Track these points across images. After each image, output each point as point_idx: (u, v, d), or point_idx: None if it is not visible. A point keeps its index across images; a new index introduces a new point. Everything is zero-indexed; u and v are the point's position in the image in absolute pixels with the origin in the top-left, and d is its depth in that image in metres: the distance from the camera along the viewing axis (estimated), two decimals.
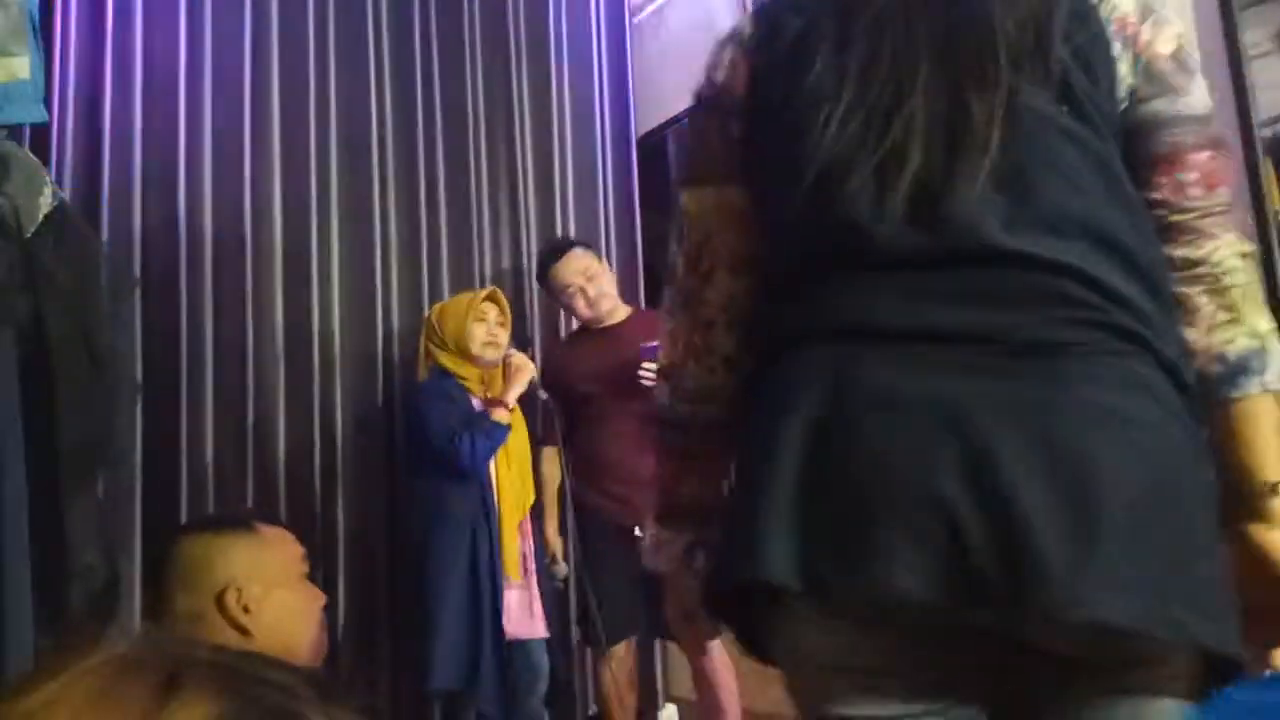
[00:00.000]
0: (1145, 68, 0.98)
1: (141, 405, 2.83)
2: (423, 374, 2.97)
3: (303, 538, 1.66)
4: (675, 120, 3.99)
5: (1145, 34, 0.98)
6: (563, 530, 3.14)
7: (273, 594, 1.51)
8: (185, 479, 2.87)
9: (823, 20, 1.00)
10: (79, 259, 1.45)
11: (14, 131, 1.47)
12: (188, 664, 0.53)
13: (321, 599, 1.63)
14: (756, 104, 1.05)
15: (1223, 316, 0.95)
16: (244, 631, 1.46)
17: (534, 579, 2.87)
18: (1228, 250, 0.96)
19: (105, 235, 2.82)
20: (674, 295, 1.13)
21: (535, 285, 3.76)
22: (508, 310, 3.00)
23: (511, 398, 2.83)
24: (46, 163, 2.64)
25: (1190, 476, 0.88)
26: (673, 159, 4.08)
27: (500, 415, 2.78)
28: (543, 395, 3.10)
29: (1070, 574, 0.80)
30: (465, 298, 2.99)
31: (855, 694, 0.91)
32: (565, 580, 3.16)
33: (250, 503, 2.96)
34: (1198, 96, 1.00)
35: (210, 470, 2.93)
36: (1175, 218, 0.97)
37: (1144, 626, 0.81)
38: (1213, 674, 0.87)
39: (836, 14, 0.99)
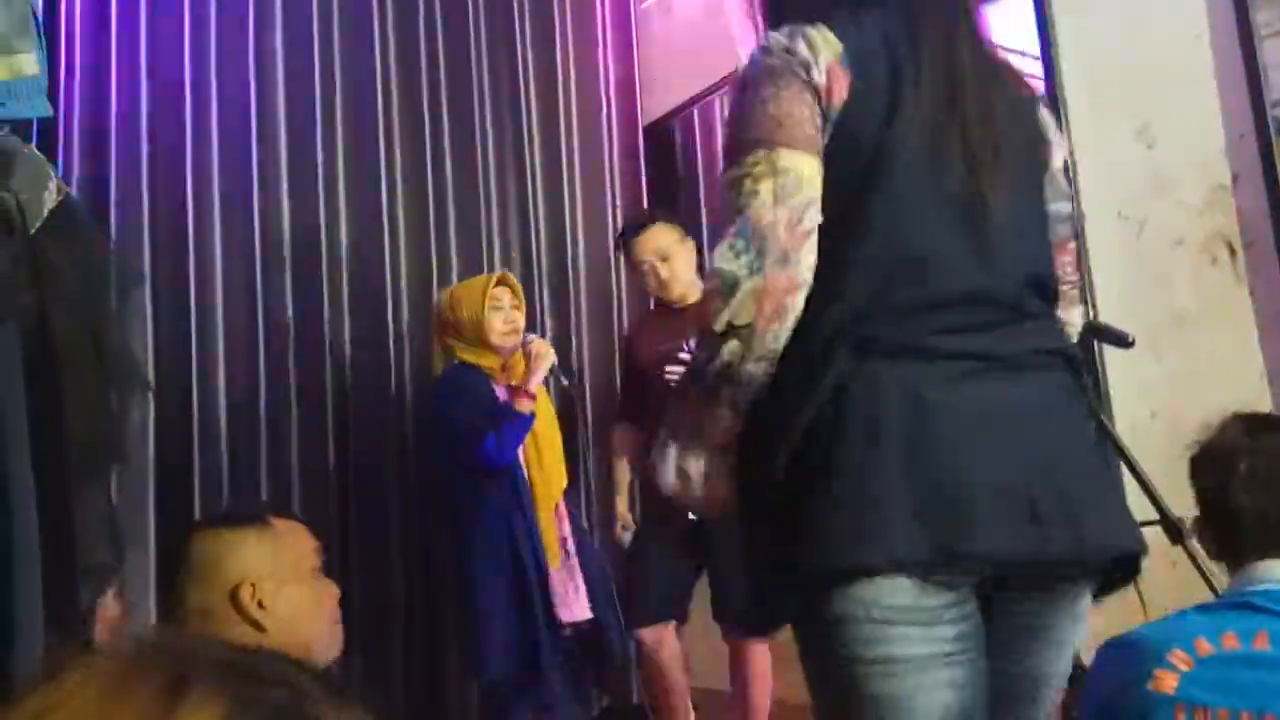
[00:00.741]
0: (1052, 177, 1.33)
1: (153, 401, 2.83)
2: (438, 365, 2.95)
3: (317, 531, 1.65)
4: (682, 108, 3.98)
5: (1056, 153, 1.34)
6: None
7: (286, 589, 1.50)
8: (198, 474, 2.88)
9: (904, 68, 1.18)
10: (85, 254, 1.44)
11: (20, 126, 1.47)
12: (196, 663, 0.53)
13: (336, 592, 1.62)
14: (850, 126, 1.16)
15: None
16: (258, 627, 1.46)
17: (575, 561, 2.82)
18: (1079, 317, 1.42)
19: (113, 230, 2.83)
20: (767, 251, 1.11)
21: (544, 274, 3.77)
22: (520, 291, 2.95)
23: (534, 385, 2.80)
24: (54, 158, 2.64)
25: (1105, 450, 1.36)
26: (679, 145, 4.07)
27: (524, 405, 2.75)
28: (564, 382, 3.09)
29: (1102, 524, 1.17)
30: (476, 285, 2.93)
31: (916, 638, 1.11)
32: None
33: (264, 496, 2.97)
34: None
35: (224, 465, 2.93)
36: (1065, 287, 1.34)
37: (1140, 549, 1.21)
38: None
39: (918, 74, 1.18)
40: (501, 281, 2.91)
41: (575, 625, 2.75)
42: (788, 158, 1.13)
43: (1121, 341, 2.14)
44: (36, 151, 1.43)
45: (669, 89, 4.02)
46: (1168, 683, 1.20)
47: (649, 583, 2.97)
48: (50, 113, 1.53)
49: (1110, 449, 1.37)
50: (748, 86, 1.19)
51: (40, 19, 1.49)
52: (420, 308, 3.37)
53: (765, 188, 1.13)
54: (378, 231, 3.36)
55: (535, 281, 3.71)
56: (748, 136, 1.16)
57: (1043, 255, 1.28)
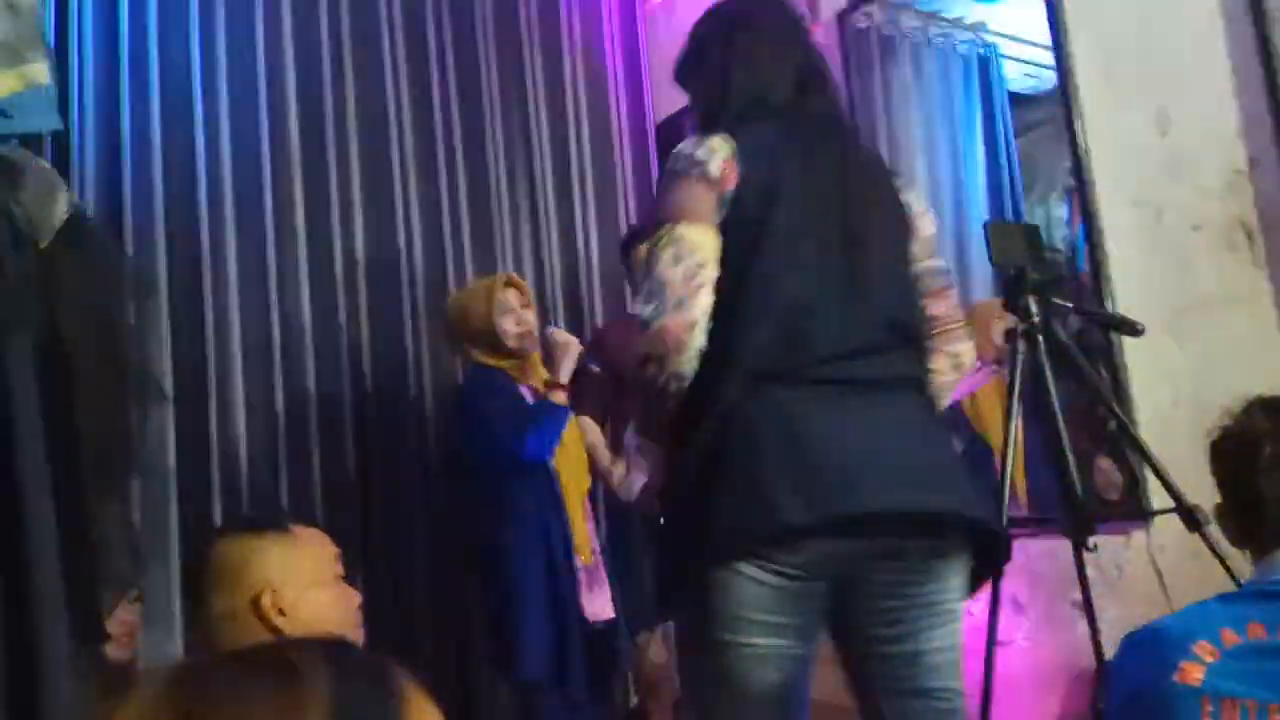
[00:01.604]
0: (924, 242, 1.69)
1: (172, 411, 2.84)
2: (462, 367, 2.94)
3: (339, 539, 1.66)
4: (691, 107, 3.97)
5: (923, 223, 1.71)
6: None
7: (307, 595, 1.51)
8: (218, 484, 2.89)
9: (789, 164, 1.57)
10: (97, 266, 1.44)
11: (32, 140, 1.47)
12: (296, 649, 0.59)
13: (356, 598, 1.63)
14: (739, 205, 1.54)
15: (955, 378, 1.71)
16: (279, 634, 1.47)
17: (600, 560, 2.82)
18: (969, 351, 1.73)
19: (129, 242, 2.84)
20: (666, 300, 1.49)
21: (557, 276, 3.76)
22: (527, 289, 2.92)
23: (565, 377, 2.77)
24: (67, 171, 2.66)
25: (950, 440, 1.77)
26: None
27: (559, 397, 2.73)
28: (595, 369, 3.03)
29: (963, 496, 1.53)
30: (480, 290, 2.88)
31: (765, 632, 1.48)
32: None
33: (285, 504, 2.97)
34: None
35: (244, 474, 2.94)
36: (950, 326, 1.70)
37: (994, 524, 1.66)
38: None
39: (796, 173, 1.57)
40: (508, 283, 2.86)
41: (597, 623, 2.75)
42: (684, 229, 1.51)
43: (1133, 330, 2.14)
44: (47, 164, 1.43)
45: (678, 88, 4.01)
46: (1193, 675, 1.18)
47: (641, 590, 2.98)
48: (61, 126, 1.54)
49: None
50: (660, 188, 1.63)
51: (50, 31, 1.49)
52: (435, 313, 3.37)
53: (668, 252, 1.50)
54: (392, 236, 3.36)
55: (548, 284, 3.71)
56: (657, 219, 1.55)
57: (904, 305, 1.63)
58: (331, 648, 0.60)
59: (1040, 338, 2.14)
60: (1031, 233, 2.34)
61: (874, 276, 1.57)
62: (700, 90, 1.87)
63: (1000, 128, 3.19)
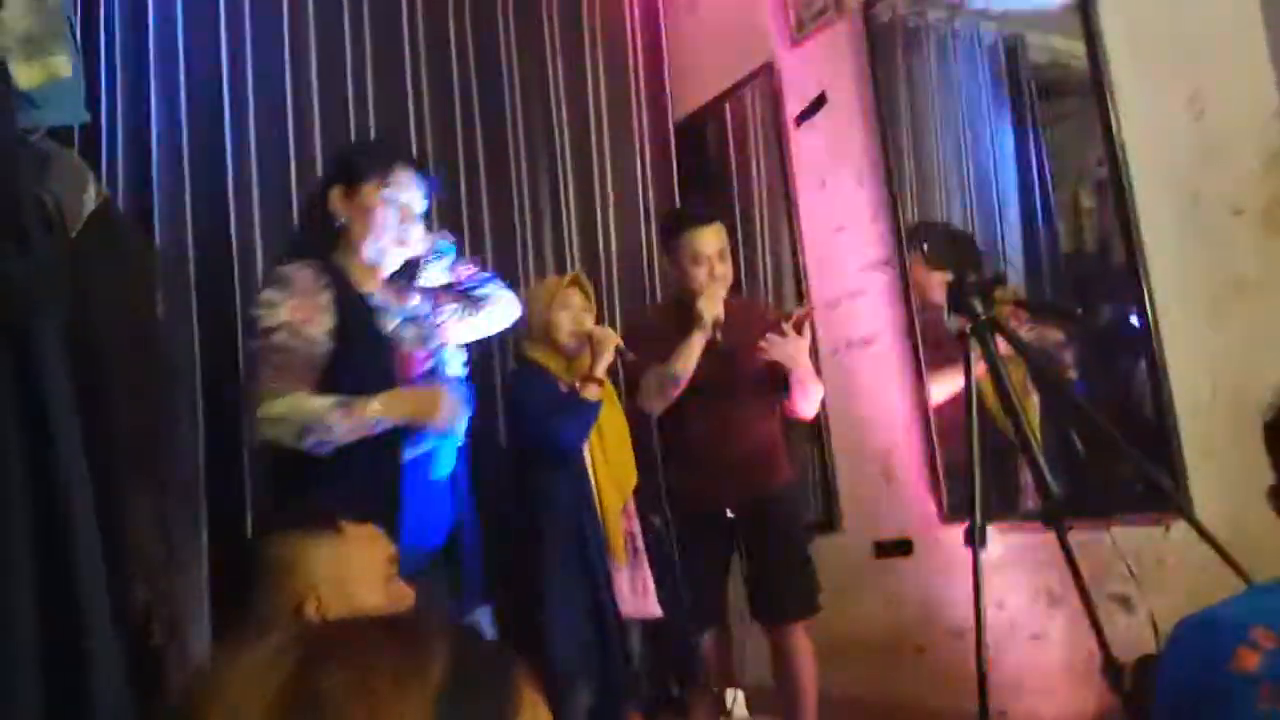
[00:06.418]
0: None
1: (202, 403, 2.83)
2: (513, 360, 2.98)
3: None
4: (713, 103, 3.95)
5: None
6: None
7: (355, 598, 1.49)
8: (249, 477, 2.88)
9: None
10: (126, 256, 1.44)
11: (62, 133, 1.46)
12: (418, 618, 0.62)
13: (409, 598, 1.60)
14: None
15: None
16: None
17: (643, 558, 2.81)
18: None
19: (158, 235, 2.84)
20: None
21: (578, 270, 3.75)
22: (592, 294, 2.92)
23: (600, 370, 2.74)
24: (96, 165, 2.66)
25: None
26: (711, 141, 4.03)
27: (590, 392, 2.70)
28: (630, 356, 2.90)
29: None
30: (549, 284, 2.94)
31: None
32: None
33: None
34: None
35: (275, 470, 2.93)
36: None
37: None
38: None
39: None
40: (573, 282, 2.89)
41: (643, 620, 2.73)
42: None
43: (1070, 315, 2.20)
44: (76, 155, 1.42)
45: (699, 85, 4.00)
46: (1250, 662, 1.14)
47: (693, 595, 2.96)
48: (88, 119, 1.53)
49: None
50: None
51: (76, 26, 1.48)
52: None
53: None
54: None
55: None
56: None
57: None
58: (454, 623, 0.64)
59: (990, 335, 2.16)
60: (964, 239, 2.39)
61: None
62: None
63: (1028, 118, 3.15)
